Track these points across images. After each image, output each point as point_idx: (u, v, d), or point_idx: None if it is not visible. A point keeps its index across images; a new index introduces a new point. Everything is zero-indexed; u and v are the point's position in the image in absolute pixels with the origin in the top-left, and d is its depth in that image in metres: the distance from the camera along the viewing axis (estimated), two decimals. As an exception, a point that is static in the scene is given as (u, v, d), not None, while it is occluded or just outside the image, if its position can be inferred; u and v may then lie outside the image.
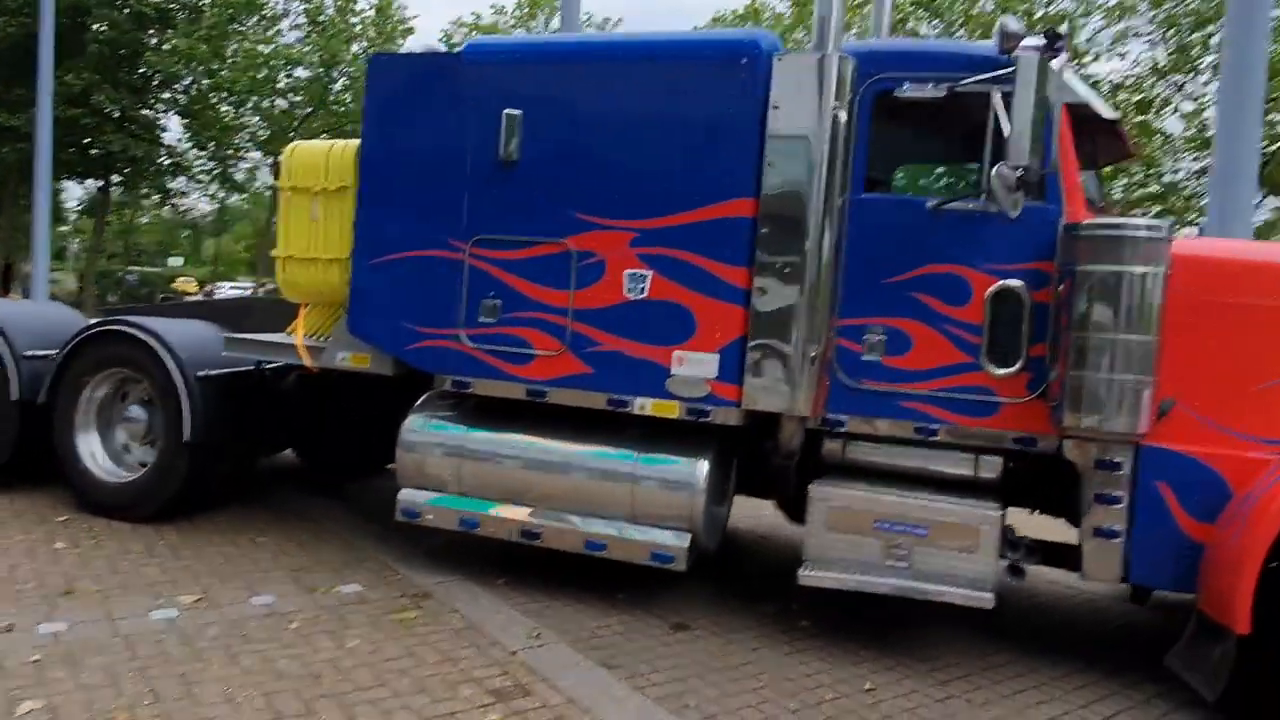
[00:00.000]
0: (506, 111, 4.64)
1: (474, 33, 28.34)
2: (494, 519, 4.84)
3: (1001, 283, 4.25)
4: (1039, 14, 21.92)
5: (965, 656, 4.45)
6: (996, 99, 4.15)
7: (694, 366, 4.43)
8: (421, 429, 5.03)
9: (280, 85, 24.63)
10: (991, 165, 4.17)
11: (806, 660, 4.25)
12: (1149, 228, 3.92)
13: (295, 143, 5.53)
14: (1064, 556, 4.50)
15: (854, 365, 4.41)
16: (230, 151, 26.03)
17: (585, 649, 4.18)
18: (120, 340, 5.60)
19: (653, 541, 4.55)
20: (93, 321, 5.75)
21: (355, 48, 25.51)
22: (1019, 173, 3.85)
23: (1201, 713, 3.94)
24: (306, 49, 24.22)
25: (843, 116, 4.13)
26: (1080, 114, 4.27)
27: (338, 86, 25.67)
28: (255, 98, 24.37)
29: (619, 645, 4.27)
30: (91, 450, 5.76)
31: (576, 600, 4.80)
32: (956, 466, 4.47)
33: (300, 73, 24.85)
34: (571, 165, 4.61)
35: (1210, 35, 20.67)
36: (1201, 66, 21.07)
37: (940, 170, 5.07)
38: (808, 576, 4.30)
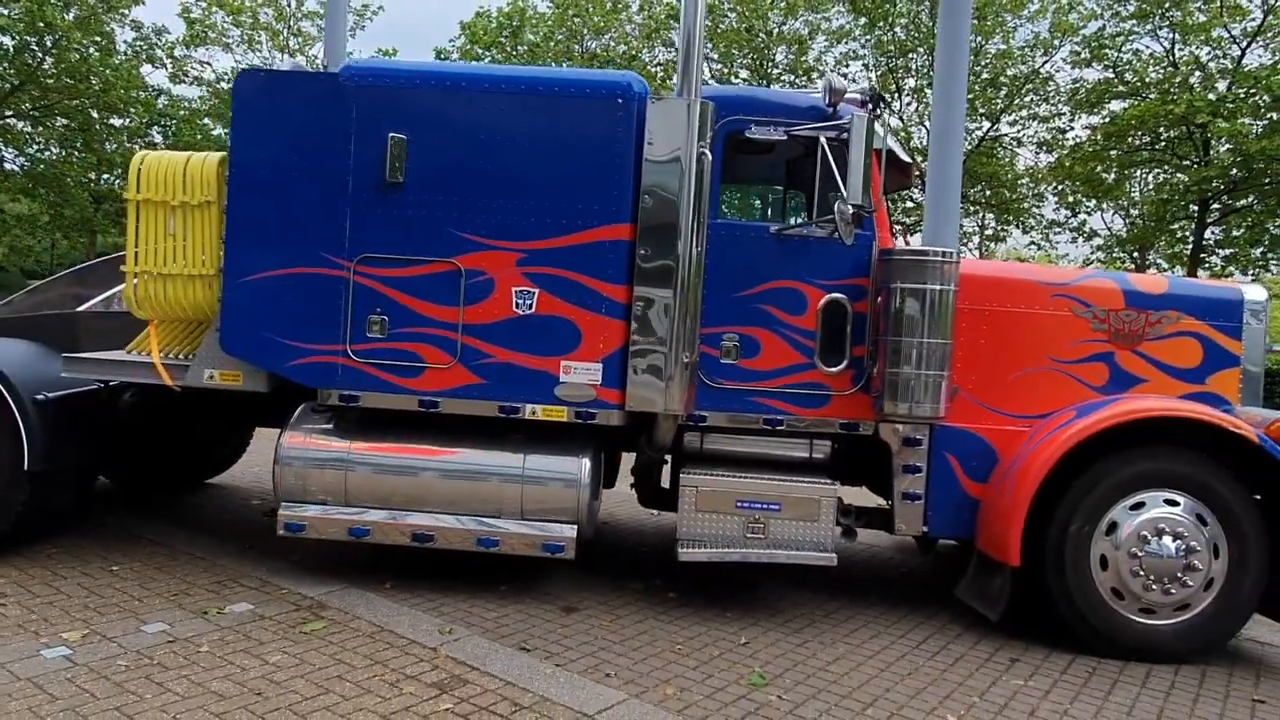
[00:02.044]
0: (392, 135, 4.85)
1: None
2: (384, 526, 5.05)
3: (830, 295, 5.14)
4: (775, 30, 24.20)
5: (807, 609, 5.34)
6: (823, 141, 5.02)
7: (580, 374, 4.93)
8: (302, 444, 5.10)
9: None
10: (820, 194, 5.09)
11: (686, 626, 4.92)
12: (944, 254, 4.96)
13: (144, 153, 5.29)
14: (876, 518, 5.51)
15: (714, 368, 5.12)
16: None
17: (496, 637, 4.56)
18: (-69, 365, 5.09)
19: (543, 535, 5.00)
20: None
21: (70, 15, 22.69)
22: (853, 210, 4.72)
23: (984, 629, 5.07)
24: (9, 14, 21.14)
25: (708, 155, 4.79)
26: (885, 157, 5.24)
27: (49, 63, 22.64)
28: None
29: (524, 630, 4.69)
30: (-107, 486, 5.18)
31: (466, 595, 5.14)
32: (795, 450, 5.33)
33: (6, 40, 21.67)
34: (458, 189, 4.92)
35: (909, 63, 23.99)
36: (905, 89, 24.32)
37: (777, 197, 5.90)
38: (686, 554, 4.97)
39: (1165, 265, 25.18)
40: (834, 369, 5.15)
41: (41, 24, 21.45)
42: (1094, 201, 24.23)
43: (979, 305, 5.20)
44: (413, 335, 4.96)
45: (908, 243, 5.89)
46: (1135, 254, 25.80)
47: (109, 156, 26.56)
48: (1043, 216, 26.20)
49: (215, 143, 25.95)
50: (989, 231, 27.15)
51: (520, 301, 4.94)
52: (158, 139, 29.31)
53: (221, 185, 5.14)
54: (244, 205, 4.98)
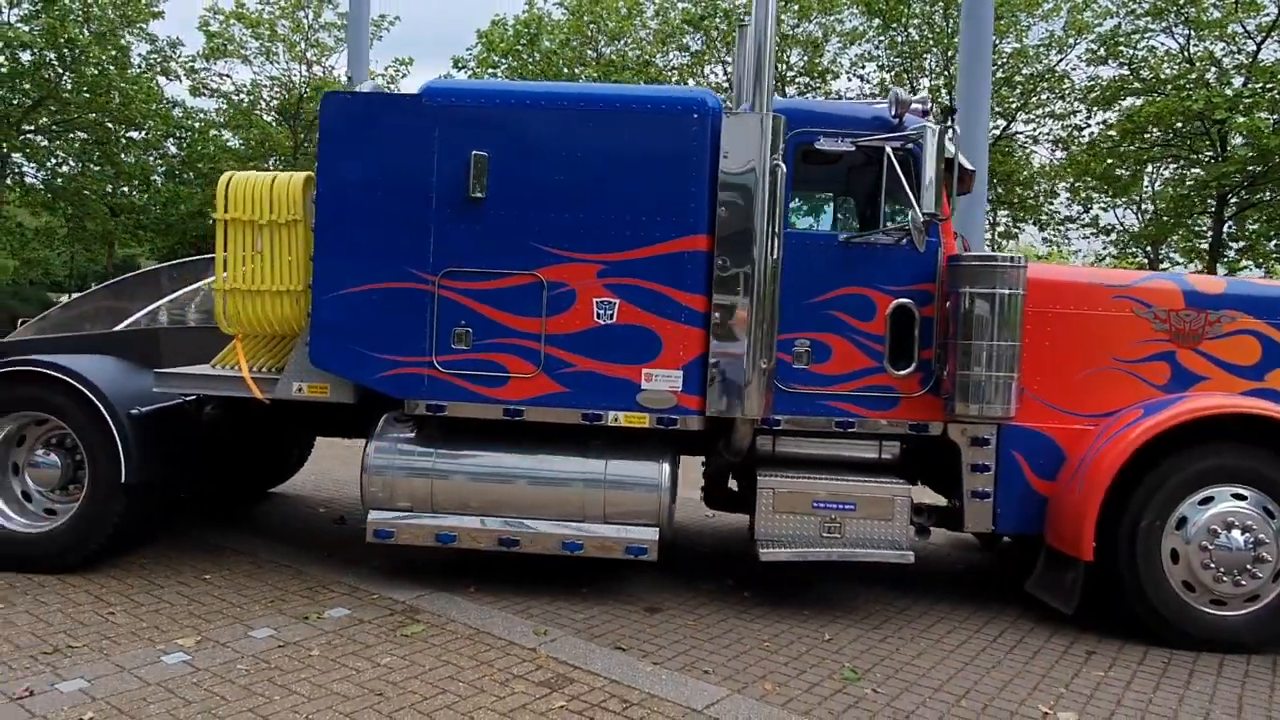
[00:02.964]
0: (475, 154, 5.01)
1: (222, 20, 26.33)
2: (471, 531, 5.20)
3: (897, 301, 5.29)
4: (790, 34, 24.34)
5: (880, 606, 5.48)
6: (889, 151, 5.17)
7: (661, 382, 5.08)
8: (388, 453, 5.26)
9: (2, 71, 21.52)
10: (886, 203, 5.25)
11: (769, 624, 5.06)
12: (1012, 259, 5.10)
13: (230, 174, 5.46)
14: (945, 517, 5.65)
15: (787, 372, 5.27)
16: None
17: (590, 638, 4.72)
18: (28, 382, 5.26)
19: (626, 537, 5.15)
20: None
21: (89, 30, 22.88)
22: (926, 219, 4.87)
23: (1055, 622, 5.20)
24: (30, 30, 21.35)
25: (782, 167, 4.94)
26: (952, 166, 5.39)
27: (68, 80, 22.80)
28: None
29: (614, 630, 4.84)
30: (-7, 500, 5.36)
31: (550, 597, 5.30)
32: (864, 451, 5.48)
33: (25, 57, 21.87)
34: (539, 204, 5.08)
35: (924, 63, 24.12)
36: (920, 89, 24.44)
37: (848, 206, 6.06)
38: (767, 554, 5.12)
39: (1180, 261, 25.31)
40: (903, 372, 5.30)
41: (62, 39, 21.64)
42: (1109, 197, 24.32)
43: (1043, 308, 5.33)
44: (497, 346, 5.12)
45: (966, 246, 6.03)
46: (1149, 249, 25.91)
47: (128, 169, 26.75)
48: (1056, 213, 26.30)
49: (233, 154, 26.13)
50: (1000, 228, 27.28)
51: (601, 312, 5.09)
52: (173, 150, 29.55)
53: (307, 203, 5.30)
54: (331, 222, 5.15)
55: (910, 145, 5.23)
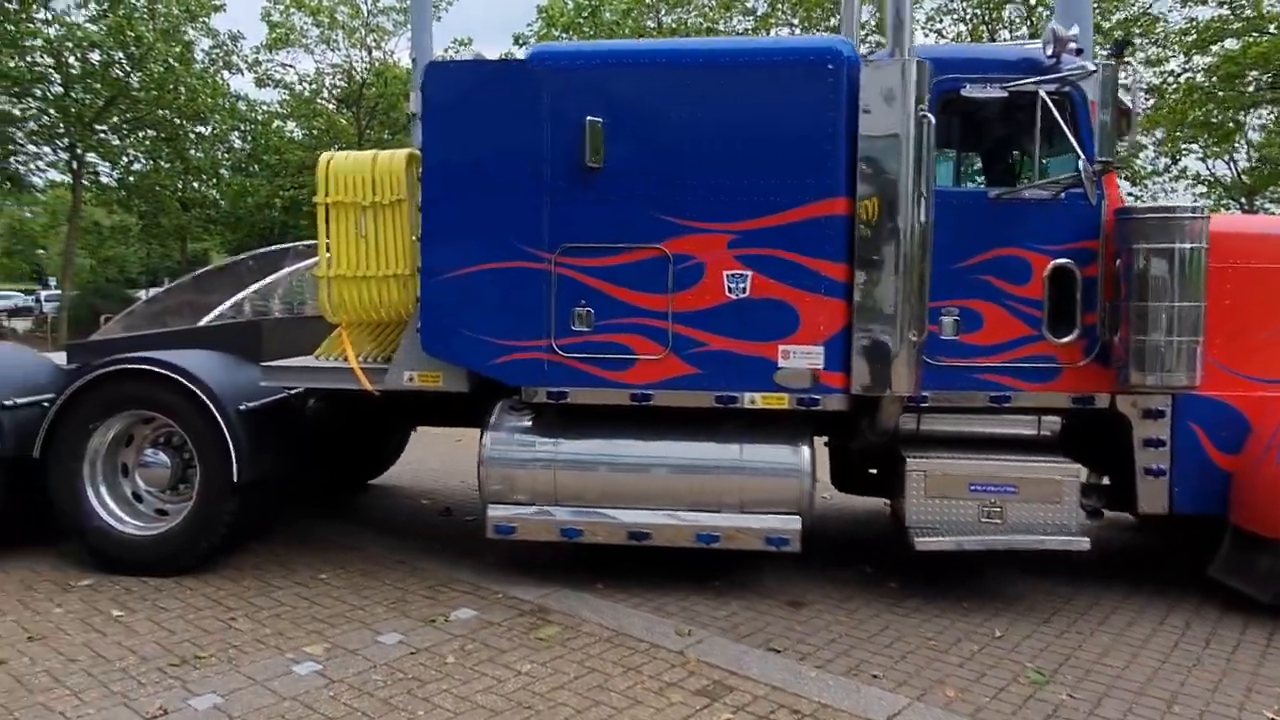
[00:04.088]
0: (589, 120, 4.62)
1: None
2: (598, 525, 4.88)
3: (1056, 261, 4.77)
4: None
5: (1042, 596, 5.02)
6: (1043, 95, 4.64)
7: (800, 359, 4.67)
8: (506, 444, 4.96)
9: (74, 72, 21.87)
10: (1040, 153, 4.73)
11: (927, 618, 4.65)
12: (1193, 210, 4.55)
13: (329, 154, 5.18)
14: (1113, 498, 5.14)
15: (934, 344, 4.80)
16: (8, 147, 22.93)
17: (736, 638, 4.36)
18: (136, 380, 5.07)
19: (766, 527, 4.77)
20: (97, 363, 5.15)
21: (148, 28, 23.08)
22: (1101, 166, 4.35)
23: (1244, 610, 4.68)
24: (99, 29, 21.60)
25: (930, 118, 4.46)
26: (1119, 108, 4.84)
27: (135, 78, 23.04)
28: (40, 86, 21.57)
29: (761, 629, 4.48)
30: (105, 504, 5.20)
31: (681, 593, 4.95)
32: (1020, 427, 5.00)
33: (95, 57, 22.17)
34: (661, 171, 4.68)
35: (1005, 13, 23.01)
36: (999, 41, 23.34)
37: (995, 160, 5.54)
38: (924, 543, 4.69)
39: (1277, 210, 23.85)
40: (1064, 339, 4.79)
41: (129, 36, 21.84)
42: (1207, 146, 22.95)
43: (1224, 263, 4.76)
44: (621, 326, 4.76)
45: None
46: (1243, 201, 24.49)
47: (197, 164, 27.11)
48: (1144, 166, 24.98)
49: (298, 145, 26.26)
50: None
51: (733, 285, 4.69)
52: (237, 144, 29.89)
53: (412, 182, 5.00)
54: (438, 200, 4.83)
55: (1067, 88, 4.71)
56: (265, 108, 28.98)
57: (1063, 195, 4.74)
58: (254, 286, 9.30)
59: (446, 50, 25.63)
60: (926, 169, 4.50)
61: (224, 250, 33.17)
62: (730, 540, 4.80)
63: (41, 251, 47.21)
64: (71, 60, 22.11)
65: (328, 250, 5.09)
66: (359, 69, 26.99)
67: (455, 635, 4.35)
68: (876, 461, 5.48)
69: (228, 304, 8.82)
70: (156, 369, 5.01)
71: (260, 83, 27.32)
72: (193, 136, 27.07)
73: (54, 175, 27.77)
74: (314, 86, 27.26)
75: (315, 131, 26.91)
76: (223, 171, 28.60)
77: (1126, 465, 4.90)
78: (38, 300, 40.11)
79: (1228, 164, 24.98)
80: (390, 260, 5.03)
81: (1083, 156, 4.50)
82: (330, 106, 27.25)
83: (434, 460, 8.73)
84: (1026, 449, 4.93)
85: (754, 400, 4.72)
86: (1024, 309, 4.81)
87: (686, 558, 5.24)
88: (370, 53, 26.76)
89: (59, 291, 28.27)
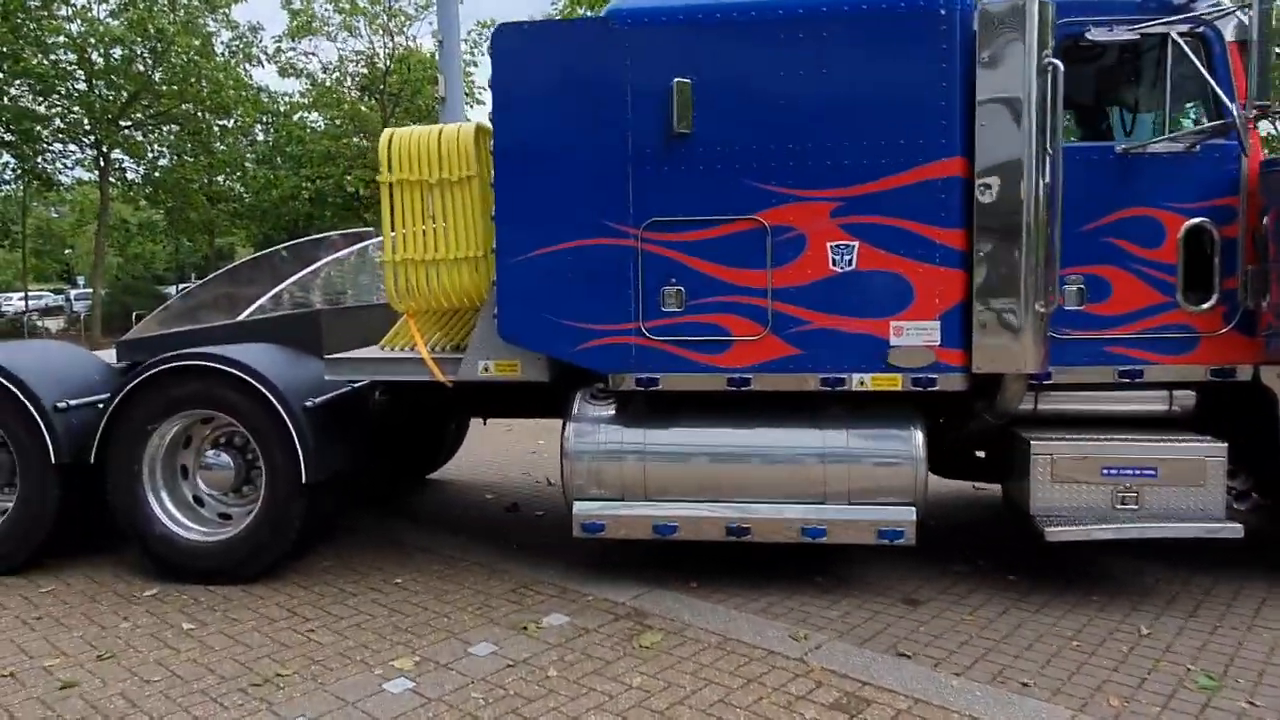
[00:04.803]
0: (676, 81, 4.23)
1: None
2: (693, 521, 4.53)
3: (1191, 221, 4.34)
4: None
5: (1180, 585, 4.62)
6: (1174, 37, 4.20)
7: (914, 335, 4.27)
8: (591, 436, 4.61)
9: (98, 68, 21.69)
10: (1174, 107, 4.29)
11: (1060, 615, 4.26)
12: (1354, 158, 4.10)
13: (392, 130, 4.83)
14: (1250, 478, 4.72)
15: (1057, 316, 4.38)
16: (36, 145, 22.80)
17: (857, 641, 4.00)
18: (196, 378, 4.77)
19: (878, 519, 4.40)
20: (151, 360, 4.85)
21: (169, 20, 22.84)
22: (1258, 110, 3.91)
23: None
24: (120, 23, 21.37)
25: (1057, 64, 4.02)
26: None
27: (158, 75, 22.84)
28: (64, 83, 21.41)
29: (880, 630, 4.12)
30: (167, 509, 4.92)
31: (782, 590, 4.60)
32: (1150, 404, 4.58)
33: (116, 52, 21.96)
34: (756, 135, 4.28)
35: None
36: None
37: (1113, 113, 5.10)
38: (1055, 533, 4.29)
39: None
40: (1201, 307, 4.37)
41: (151, 28, 21.62)
42: None
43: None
44: (715, 305, 4.38)
45: None
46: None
47: (221, 157, 26.94)
48: None
49: (324, 135, 26.03)
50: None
51: (838, 257, 4.29)
52: (260, 136, 29.69)
53: (483, 156, 4.64)
54: (512, 175, 4.46)
55: (1203, 29, 4.27)
56: (288, 98, 28.75)
57: (1198, 148, 4.31)
58: (294, 277, 9.00)
59: (469, 33, 25.25)
60: (1053, 123, 4.08)
61: (250, 244, 33.08)
62: (838, 534, 4.44)
63: (70, 251, 47.44)
64: (95, 56, 21.90)
65: (392, 232, 4.73)
66: (381, 55, 26.66)
67: (551, 644, 4.02)
68: (983, 444, 5.08)
69: (267, 297, 8.51)
70: (217, 365, 4.70)
71: (284, 72, 27.08)
72: (216, 130, 26.89)
73: (81, 174, 27.77)
74: (336, 75, 26.99)
75: (339, 120, 26.63)
76: (247, 165, 28.42)
77: (1267, 443, 4.47)
78: (68, 299, 40.36)
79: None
80: (461, 242, 4.68)
81: (1230, 103, 4.06)
82: (354, 94, 26.95)
83: (487, 452, 8.42)
84: (1157, 428, 4.52)
85: (864, 382, 4.33)
86: (1155, 274, 4.38)
87: (778, 552, 4.89)
88: (392, 38, 26.42)
89: (89, 290, 28.31)
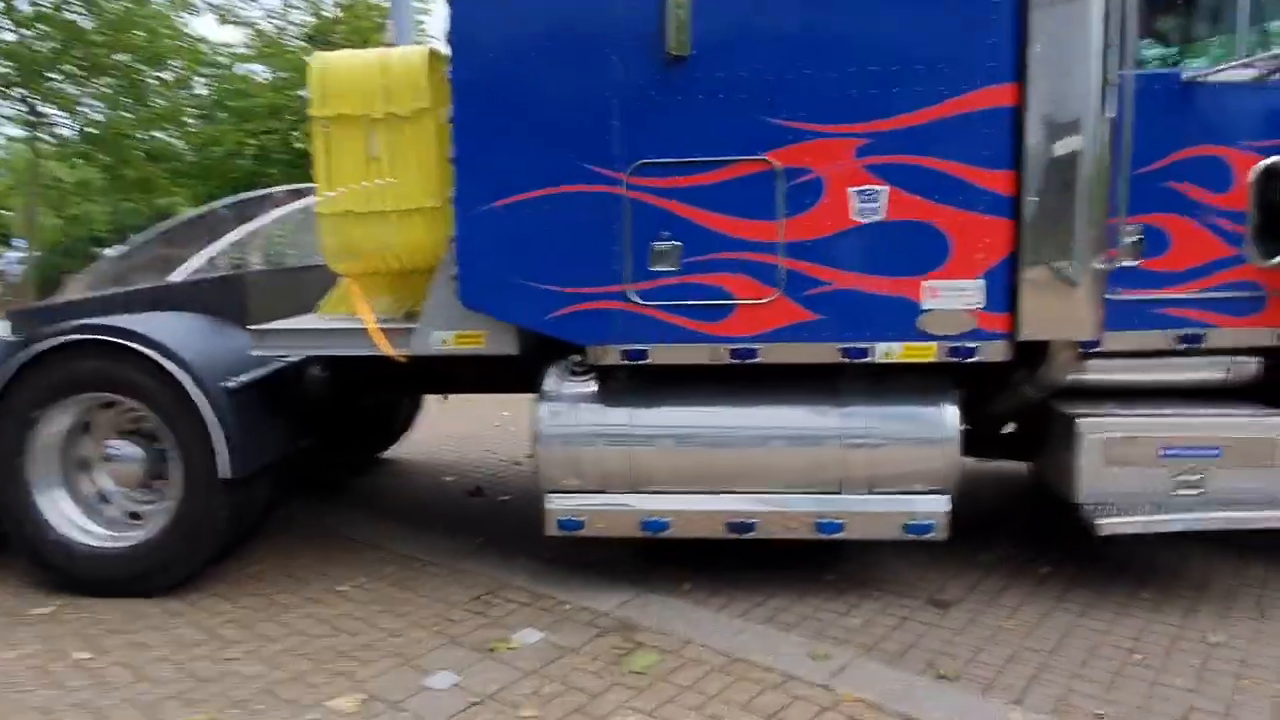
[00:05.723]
0: (671, -9, 3.50)
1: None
2: (689, 515, 3.88)
3: (1268, 161, 3.73)
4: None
5: (1236, 580, 4.09)
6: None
7: (951, 297, 3.62)
8: (568, 418, 3.92)
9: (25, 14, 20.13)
10: (1250, 19, 3.68)
11: (1111, 619, 3.70)
12: None
13: (322, 55, 4.02)
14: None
15: (1110, 273, 3.78)
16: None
17: (886, 659, 3.40)
18: (91, 355, 3.97)
19: (905, 511, 3.79)
20: (40, 333, 4.04)
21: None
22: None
23: None
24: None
25: (1129, -29, 3.36)
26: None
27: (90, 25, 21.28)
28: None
29: (910, 642, 3.52)
30: (62, 510, 4.15)
31: (791, 594, 3.99)
32: (1206, 372, 4.00)
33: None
34: (767, 59, 3.56)
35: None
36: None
37: (1176, 38, 4.46)
38: (1108, 525, 3.71)
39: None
40: (1273, 260, 3.78)
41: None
42: None
43: None
44: (715, 264, 3.68)
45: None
46: None
47: (160, 111, 25.41)
48: None
49: (267, 87, 24.68)
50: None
51: (863, 205, 3.61)
52: (201, 90, 28.08)
53: (438, 86, 3.85)
54: (473, 109, 3.69)
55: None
56: (229, 50, 27.14)
57: (1275, 75, 3.69)
58: (230, 237, 8.10)
59: (421, -22, 23.87)
60: (1123, 45, 3.42)
61: (194, 203, 31.51)
62: (858, 529, 3.82)
63: (8, 213, 45.26)
64: (22, 5, 20.31)
65: (329, 183, 3.95)
66: (329, 3, 25.19)
67: (524, 671, 3.36)
68: (1015, 418, 4.48)
69: (200, 258, 7.65)
70: (114, 339, 3.91)
71: (223, 19, 25.51)
72: (153, 82, 25.30)
73: (13, 131, 25.99)
74: (279, 25, 25.49)
75: (284, 73, 25.18)
76: (187, 120, 26.86)
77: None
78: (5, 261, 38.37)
79: None
80: (413, 190, 3.91)
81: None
82: (299, 44, 25.48)
83: (446, 425, 7.65)
84: (1210, 400, 3.96)
85: (891, 352, 3.68)
86: (1222, 223, 3.77)
87: (777, 547, 4.26)
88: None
89: (23, 253, 26.72)
